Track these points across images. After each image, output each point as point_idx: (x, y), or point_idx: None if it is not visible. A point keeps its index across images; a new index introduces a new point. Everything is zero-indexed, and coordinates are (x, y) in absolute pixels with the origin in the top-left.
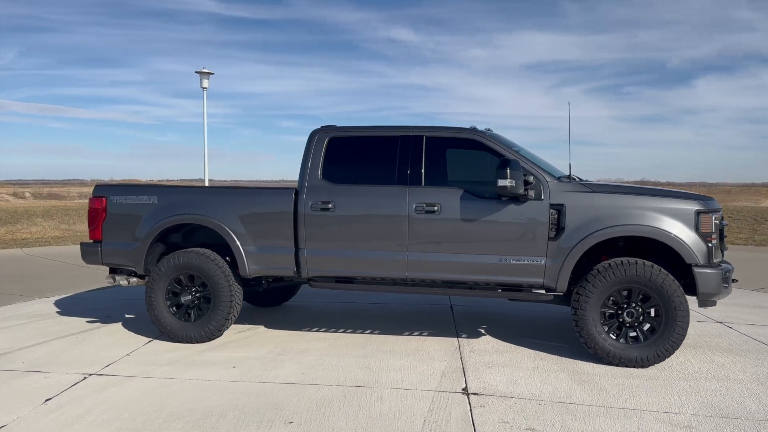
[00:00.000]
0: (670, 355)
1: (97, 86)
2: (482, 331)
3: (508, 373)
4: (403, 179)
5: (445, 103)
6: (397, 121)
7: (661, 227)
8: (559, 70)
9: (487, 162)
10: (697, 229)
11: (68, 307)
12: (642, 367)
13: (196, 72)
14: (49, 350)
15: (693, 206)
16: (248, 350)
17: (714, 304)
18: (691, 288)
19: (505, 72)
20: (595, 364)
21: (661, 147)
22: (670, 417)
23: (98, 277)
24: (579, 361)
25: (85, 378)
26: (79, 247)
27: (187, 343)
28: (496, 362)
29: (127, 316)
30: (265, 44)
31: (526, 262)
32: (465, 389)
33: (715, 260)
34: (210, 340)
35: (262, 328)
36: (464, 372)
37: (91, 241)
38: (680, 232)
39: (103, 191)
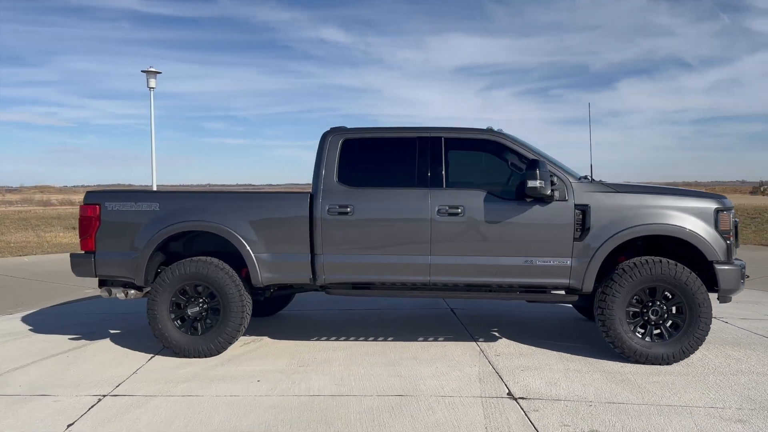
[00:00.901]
0: (694, 351)
1: (5, 86)
2: (496, 334)
3: (544, 376)
4: (423, 181)
5: (377, 104)
6: (330, 122)
7: (685, 226)
8: (489, 73)
9: (508, 163)
10: (716, 227)
11: (40, 323)
12: (667, 364)
13: (142, 71)
14: (42, 371)
15: (712, 204)
16: (264, 363)
17: (730, 300)
18: (707, 285)
19: (437, 74)
20: (620, 363)
21: (587, 148)
22: (719, 412)
23: (57, 291)
24: (604, 361)
25: (100, 400)
26: (23, 259)
27: (195, 357)
28: (526, 365)
29: (112, 331)
30: (188, 43)
31: (552, 263)
32: (510, 394)
33: (732, 257)
34: (219, 353)
35: (266, 339)
36: (500, 376)
37: (83, 252)
38: (702, 230)
39: (96, 198)
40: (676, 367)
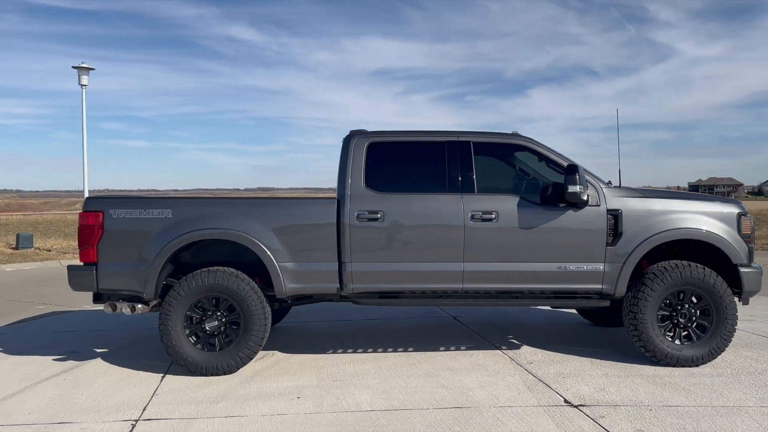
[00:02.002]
0: (721, 352)
1: None
2: (514, 341)
3: (589, 382)
4: (454, 186)
5: (293, 107)
6: (242, 123)
7: (713, 230)
8: (406, 78)
9: (539, 167)
10: (739, 231)
11: (9, 344)
12: (696, 365)
13: (73, 67)
14: (45, 397)
15: (735, 209)
16: (292, 378)
17: (748, 302)
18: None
19: (354, 77)
20: (652, 366)
21: None
22: None
23: (3, 309)
24: (634, 365)
25: (134, 425)
26: None
27: (212, 375)
28: (564, 372)
29: (98, 350)
30: (85, 37)
31: (585, 268)
32: (567, 402)
33: (753, 260)
34: (237, 369)
35: (278, 353)
36: (547, 384)
37: (82, 263)
38: (727, 234)
39: (98, 205)
40: (705, 369)
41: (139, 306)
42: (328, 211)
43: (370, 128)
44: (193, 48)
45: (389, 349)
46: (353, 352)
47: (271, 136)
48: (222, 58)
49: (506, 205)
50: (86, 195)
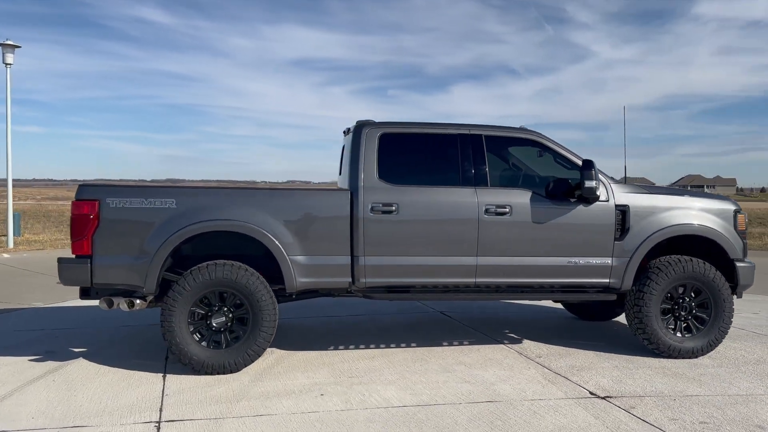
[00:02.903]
0: (719, 344)
1: None
2: (513, 336)
3: (605, 375)
4: (468, 180)
5: (206, 94)
6: (151, 110)
7: (713, 227)
8: (326, 69)
9: (546, 162)
10: (735, 227)
11: None
12: (695, 357)
13: None
14: (44, 400)
15: (731, 206)
16: (305, 376)
17: (741, 295)
18: None
19: (272, 66)
20: (653, 358)
21: None
22: None
23: None
24: (637, 357)
25: (158, 427)
26: None
27: (219, 373)
28: (576, 365)
29: (75, 349)
30: None
31: (594, 263)
32: (593, 394)
33: (746, 255)
34: (245, 367)
35: (278, 351)
36: (566, 378)
37: (74, 255)
38: (725, 230)
39: (94, 193)
40: (704, 360)
41: (139, 301)
42: (341, 203)
43: (293, 120)
44: (97, 28)
45: (392, 345)
46: (355, 348)
47: (181, 124)
48: (128, 40)
49: (519, 199)
50: (9, 183)
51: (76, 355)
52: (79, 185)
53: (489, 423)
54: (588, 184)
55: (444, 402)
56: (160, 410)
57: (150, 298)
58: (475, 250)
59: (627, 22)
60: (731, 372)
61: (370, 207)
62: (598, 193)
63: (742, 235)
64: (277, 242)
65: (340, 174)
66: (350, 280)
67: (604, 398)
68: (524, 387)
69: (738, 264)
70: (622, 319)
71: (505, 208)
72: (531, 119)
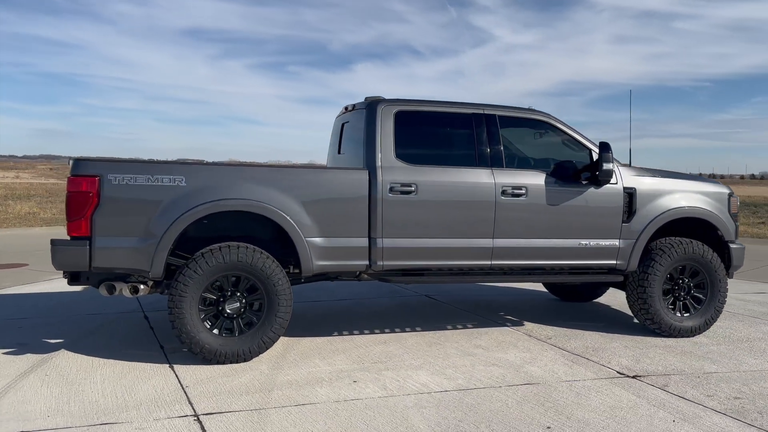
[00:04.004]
0: (714, 322)
1: None
2: (512, 318)
3: (621, 354)
4: (484, 160)
5: (87, 63)
6: (21, 79)
7: (712, 210)
8: (222, 40)
9: (556, 143)
10: (729, 210)
11: None
12: (693, 335)
13: None
14: (49, 396)
15: (726, 189)
16: (325, 363)
17: (733, 276)
18: None
19: (161, 35)
20: (655, 338)
21: (325, 129)
22: None
23: None
24: (639, 337)
25: (198, 420)
26: None
27: (231, 362)
28: (589, 346)
29: (51, 341)
30: None
31: (603, 244)
32: (621, 373)
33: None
34: (258, 355)
35: (282, 338)
36: (587, 359)
37: (71, 237)
38: (720, 213)
39: (94, 168)
40: (701, 339)
41: (143, 287)
42: (360, 183)
43: (186, 94)
44: None
45: (397, 330)
46: (360, 333)
47: (58, 95)
48: None
49: (534, 180)
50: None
51: (54, 347)
52: (76, 159)
53: (540, 405)
54: (606, 166)
55: (483, 386)
56: (190, 403)
57: (151, 283)
58: (492, 232)
59: (527, 7)
60: (731, 349)
61: (389, 187)
62: (612, 176)
63: (734, 217)
64: (293, 223)
65: (339, 152)
66: (367, 263)
67: (633, 377)
68: (553, 368)
69: (732, 246)
70: (602, 299)
71: (521, 189)
72: None
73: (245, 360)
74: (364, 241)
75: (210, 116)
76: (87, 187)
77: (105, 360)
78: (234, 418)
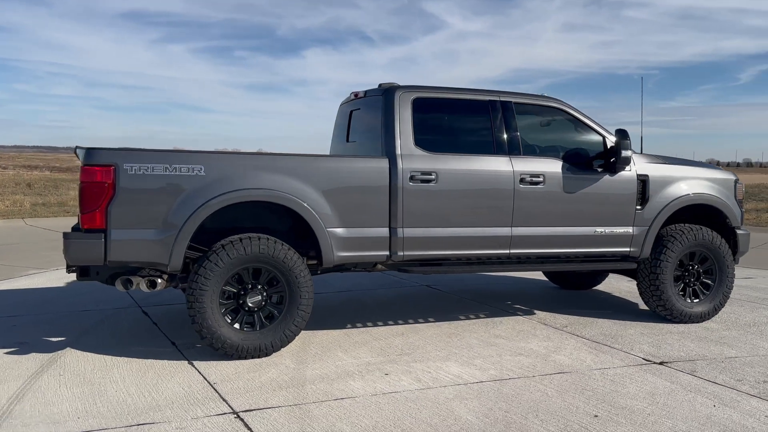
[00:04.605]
0: (722, 308)
1: None
2: (522, 307)
3: (641, 341)
4: (502, 148)
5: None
6: None
7: (720, 196)
8: (164, 24)
9: (569, 131)
10: (735, 196)
11: None
12: (702, 321)
13: None
14: (70, 398)
15: (732, 176)
16: (349, 356)
17: (738, 261)
18: None
19: (99, 17)
20: (667, 324)
21: (274, 117)
22: None
23: None
24: (651, 323)
25: (239, 417)
26: None
27: (253, 357)
28: (607, 333)
29: (51, 339)
30: None
31: (617, 232)
32: (647, 360)
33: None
34: (280, 349)
35: None
36: (609, 346)
37: (84, 229)
38: (728, 199)
39: (109, 157)
40: (712, 324)
41: (161, 281)
42: (380, 171)
43: (127, 79)
44: None
45: (410, 321)
46: (374, 325)
47: None
48: None
49: (551, 168)
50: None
51: (58, 346)
52: (89, 148)
53: (580, 393)
54: (624, 153)
55: (516, 376)
56: (224, 400)
57: (166, 277)
58: (510, 221)
59: None
60: (742, 334)
61: (409, 176)
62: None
63: (740, 204)
64: (315, 213)
65: (347, 140)
66: (388, 253)
67: (660, 364)
68: (579, 357)
69: (738, 231)
70: (600, 287)
71: (539, 177)
72: None
73: (266, 355)
74: (384, 231)
75: (153, 103)
76: (102, 177)
77: (117, 358)
78: (276, 414)
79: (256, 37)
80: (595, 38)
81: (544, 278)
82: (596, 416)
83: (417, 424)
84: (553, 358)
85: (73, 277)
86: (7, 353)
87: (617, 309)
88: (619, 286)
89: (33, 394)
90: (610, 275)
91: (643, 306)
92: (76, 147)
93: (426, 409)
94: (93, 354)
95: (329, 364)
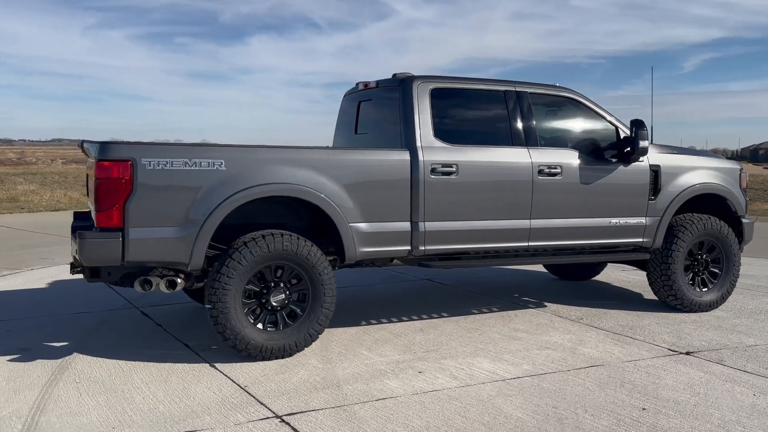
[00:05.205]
0: (729, 296)
1: None
2: (531, 299)
3: (661, 331)
4: (519, 139)
5: None
6: None
7: (727, 186)
8: (100, 9)
9: (583, 121)
10: (740, 185)
11: None
12: (711, 309)
13: None
14: (96, 407)
15: (737, 165)
16: (375, 354)
17: (743, 250)
18: None
19: (31, 3)
20: (677, 314)
21: (218, 106)
22: None
23: None
24: (663, 313)
25: (284, 421)
26: None
27: (276, 358)
28: (624, 324)
29: (55, 344)
30: None
31: (631, 222)
32: (674, 351)
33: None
34: (305, 348)
35: None
36: (632, 337)
37: (99, 228)
38: (734, 188)
39: (126, 152)
40: (720, 312)
41: (179, 280)
42: (402, 164)
43: (61, 67)
44: None
45: (423, 316)
46: (389, 322)
47: None
48: None
49: (567, 159)
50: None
51: (63, 351)
52: (103, 142)
53: (620, 386)
54: (642, 144)
55: (551, 370)
56: (262, 404)
57: (183, 276)
58: (529, 213)
59: None
60: (753, 322)
61: (430, 168)
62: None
63: (744, 192)
64: (337, 208)
65: (356, 132)
66: (409, 248)
67: (687, 354)
68: (607, 349)
69: (744, 220)
70: (598, 278)
71: (557, 168)
72: (336, 77)
73: (290, 355)
74: (406, 226)
75: (89, 92)
76: (119, 173)
77: (132, 362)
78: (321, 416)
79: (199, 23)
80: (543, 27)
81: (542, 269)
82: (644, 409)
83: (469, 423)
84: (581, 351)
85: (54, 277)
86: (12, 360)
87: (624, 299)
88: (617, 276)
89: (54, 403)
90: (608, 265)
91: (647, 296)
92: (83, 141)
93: (472, 407)
94: (104, 359)
95: (358, 363)
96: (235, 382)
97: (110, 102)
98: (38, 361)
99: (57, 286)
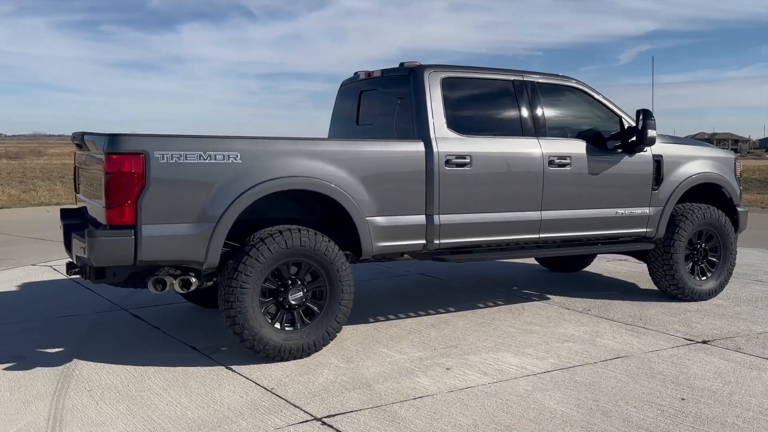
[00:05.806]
0: (726, 284)
1: None
2: (532, 292)
3: (671, 321)
4: (529, 130)
5: None
6: None
7: (724, 175)
8: None
9: (588, 111)
10: (734, 174)
11: None
12: (710, 298)
13: None
14: (119, 416)
15: (732, 155)
16: (394, 351)
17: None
18: None
19: None
20: (680, 303)
21: (148, 97)
22: None
23: None
24: (665, 303)
25: (326, 424)
26: None
27: (295, 358)
28: (634, 315)
29: (49, 351)
30: None
31: (636, 212)
32: (690, 339)
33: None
34: (323, 347)
35: None
36: (645, 327)
37: (110, 225)
38: (730, 177)
39: (137, 144)
40: (720, 301)
41: (194, 280)
42: (417, 155)
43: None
44: None
45: (430, 311)
46: (397, 318)
47: None
48: None
49: (576, 150)
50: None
51: (62, 358)
52: (111, 135)
53: (651, 377)
54: (651, 133)
55: (578, 363)
56: (296, 406)
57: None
58: (540, 204)
59: None
60: (754, 309)
61: (445, 159)
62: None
63: (738, 181)
64: (354, 201)
65: (357, 123)
66: (424, 242)
67: (704, 342)
68: (625, 340)
69: (739, 209)
70: (588, 268)
71: (566, 159)
72: (273, 68)
73: (308, 355)
74: (421, 219)
75: (7, 83)
76: (130, 167)
77: (141, 367)
78: (363, 418)
79: (125, 10)
80: (481, 18)
81: (533, 261)
82: (683, 399)
83: (516, 419)
84: (601, 343)
85: (23, 279)
86: (8, 369)
87: (621, 290)
88: (605, 266)
89: (72, 414)
90: (596, 256)
91: (642, 285)
92: (84, 133)
93: (513, 403)
94: (109, 364)
95: (380, 362)
96: (259, 385)
97: (32, 93)
98: (38, 368)
99: (31, 288)
